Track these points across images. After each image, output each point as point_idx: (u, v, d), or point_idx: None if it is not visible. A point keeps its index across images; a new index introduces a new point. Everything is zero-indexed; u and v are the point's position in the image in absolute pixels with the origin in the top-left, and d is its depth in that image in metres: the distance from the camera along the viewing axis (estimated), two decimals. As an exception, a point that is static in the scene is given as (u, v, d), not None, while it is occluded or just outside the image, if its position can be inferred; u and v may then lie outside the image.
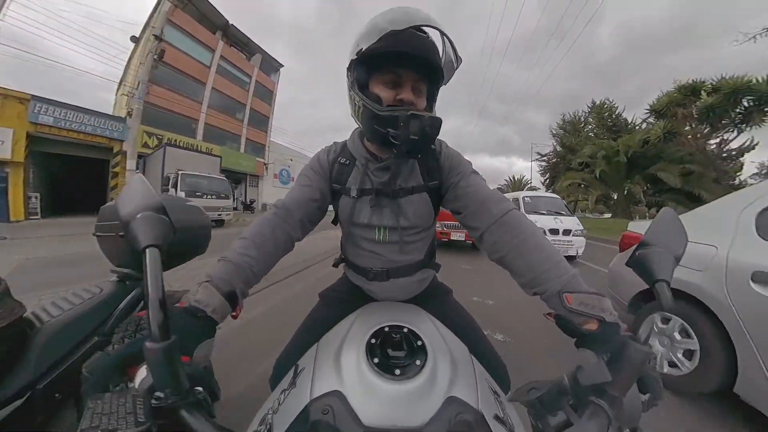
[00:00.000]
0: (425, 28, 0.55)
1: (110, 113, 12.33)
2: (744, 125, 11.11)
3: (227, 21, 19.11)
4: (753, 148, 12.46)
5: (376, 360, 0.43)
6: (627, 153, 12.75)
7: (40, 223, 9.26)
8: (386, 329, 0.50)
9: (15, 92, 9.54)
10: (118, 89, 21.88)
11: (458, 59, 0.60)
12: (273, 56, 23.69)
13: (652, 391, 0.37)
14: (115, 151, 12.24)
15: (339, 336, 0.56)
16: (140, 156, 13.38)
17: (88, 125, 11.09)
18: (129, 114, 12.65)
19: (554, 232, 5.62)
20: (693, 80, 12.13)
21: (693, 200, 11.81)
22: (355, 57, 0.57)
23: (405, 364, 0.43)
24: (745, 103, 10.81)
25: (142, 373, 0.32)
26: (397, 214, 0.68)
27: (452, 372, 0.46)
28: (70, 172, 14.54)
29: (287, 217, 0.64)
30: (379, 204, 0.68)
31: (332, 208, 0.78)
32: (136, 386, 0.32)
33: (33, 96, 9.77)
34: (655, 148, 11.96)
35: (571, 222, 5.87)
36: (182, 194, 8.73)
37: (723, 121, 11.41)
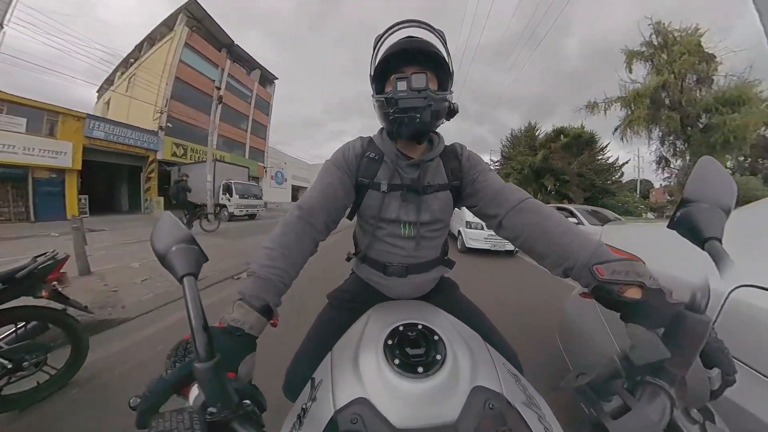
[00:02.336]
0: (418, 35, 0.63)
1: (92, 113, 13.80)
2: (580, 156, 19.00)
3: (232, 40, 21.12)
4: (626, 163, 19.75)
5: (396, 361, 0.43)
6: (532, 167, 19.61)
7: (91, 220, 11.05)
8: (401, 328, 0.49)
9: (73, 111, 11.30)
10: (100, 89, 23.04)
11: (441, 33, 0.65)
12: (269, 70, 25.81)
13: (721, 365, 0.35)
14: (150, 159, 14.07)
15: (353, 341, 0.56)
16: (172, 164, 15.30)
17: (131, 138, 12.94)
18: (161, 128, 14.58)
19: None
20: (560, 126, 20.02)
21: (564, 198, 18.46)
22: (371, 74, 0.66)
23: (426, 360, 0.43)
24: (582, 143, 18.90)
25: (195, 391, 0.34)
26: (423, 210, 0.71)
27: (472, 362, 0.46)
28: (109, 177, 16.06)
29: (312, 220, 0.63)
30: (408, 200, 0.70)
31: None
32: (191, 403, 0.34)
33: (88, 114, 11.56)
34: (542, 165, 19.03)
35: None
36: (236, 197, 12.12)
37: (574, 151, 19.20)
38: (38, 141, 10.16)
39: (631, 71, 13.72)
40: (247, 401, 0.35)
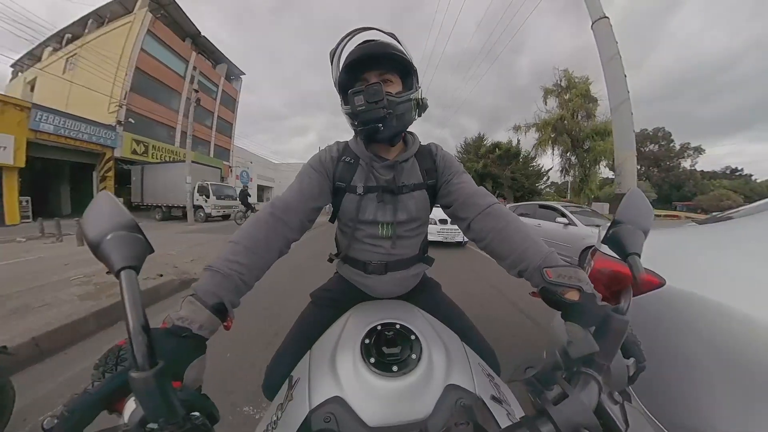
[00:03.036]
0: (371, 38, 0.65)
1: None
2: (510, 165, 24.14)
3: (198, 30, 19.69)
4: (551, 169, 24.67)
5: (372, 360, 0.44)
6: (477, 172, 23.83)
7: (33, 226, 9.71)
8: (379, 328, 0.50)
9: (13, 99, 9.80)
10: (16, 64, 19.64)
11: (393, 35, 0.66)
12: (236, 64, 24.51)
13: (635, 355, 0.41)
14: (106, 156, 12.66)
15: (332, 341, 0.56)
16: (130, 162, 13.91)
17: (85, 133, 11.52)
18: (119, 122, 13.20)
19: (444, 221, 6.48)
20: (498, 141, 25.88)
21: (500, 197, 23.10)
22: (335, 85, 0.68)
23: (401, 359, 0.44)
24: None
25: (131, 405, 0.30)
26: (400, 210, 0.72)
27: (447, 361, 0.47)
28: (55, 177, 14.03)
29: (286, 218, 0.62)
30: (384, 201, 0.71)
31: (326, 208, 0.76)
32: (126, 420, 0.29)
33: (33, 104, 10.10)
34: (483, 171, 23.93)
35: None
36: (214, 198, 12.09)
37: (505, 161, 24.66)
38: None
39: (546, 103, 19.97)
40: (196, 413, 0.31)
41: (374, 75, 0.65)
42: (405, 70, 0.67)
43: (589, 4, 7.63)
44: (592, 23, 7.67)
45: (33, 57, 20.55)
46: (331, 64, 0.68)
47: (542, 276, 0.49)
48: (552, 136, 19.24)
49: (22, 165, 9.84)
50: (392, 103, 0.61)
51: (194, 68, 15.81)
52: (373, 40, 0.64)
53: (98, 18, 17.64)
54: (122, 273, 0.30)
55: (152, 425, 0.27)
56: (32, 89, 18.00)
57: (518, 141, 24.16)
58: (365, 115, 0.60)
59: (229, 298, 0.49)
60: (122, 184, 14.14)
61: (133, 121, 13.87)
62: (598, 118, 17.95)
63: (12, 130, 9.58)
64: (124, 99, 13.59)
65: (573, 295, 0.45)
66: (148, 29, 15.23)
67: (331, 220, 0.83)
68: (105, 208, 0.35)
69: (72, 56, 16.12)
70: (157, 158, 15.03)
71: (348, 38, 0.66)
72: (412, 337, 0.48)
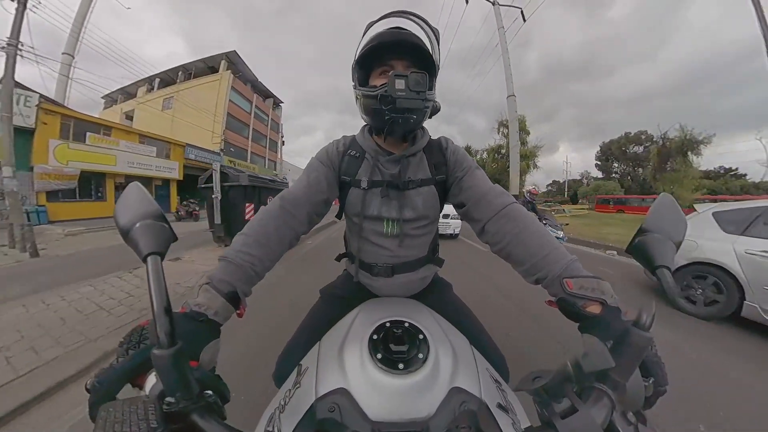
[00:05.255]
0: (408, 29, 0.62)
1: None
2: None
3: (256, 77, 27.28)
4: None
5: (379, 356, 0.44)
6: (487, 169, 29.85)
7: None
8: (387, 325, 0.50)
9: (179, 142, 17.25)
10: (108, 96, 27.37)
11: (435, 31, 0.63)
12: (278, 97, 32.10)
13: (655, 375, 0.38)
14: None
15: (341, 334, 0.57)
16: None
17: (206, 158, 18.99)
18: (222, 150, 20.75)
19: (445, 216, 6.96)
20: (499, 144, 31.55)
21: None
22: (354, 62, 0.64)
23: (408, 358, 0.44)
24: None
25: (152, 380, 0.33)
26: (406, 206, 0.70)
27: (454, 363, 0.46)
28: (188, 184, 21.52)
29: (294, 211, 0.63)
30: (389, 196, 0.69)
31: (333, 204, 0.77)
32: (147, 393, 0.32)
33: (187, 144, 17.57)
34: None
35: (450, 208, 13.29)
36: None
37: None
38: (160, 161, 16.03)
39: (498, 133, 27.28)
40: (209, 392, 0.34)
41: (402, 65, 0.62)
42: (430, 71, 0.63)
43: (507, 82, 13.37)
44: (507, 97, 13.63)
45: (125, 92, 28.18)
46: (363, 35, 0.63)
47: (562, 286, 0.48)
48: (496, 157, 27.78)
49: (181, 178, 17.25)
50: (427, 98, 0.58)
51: (256, 107, 23.21)
52: (410, 32, 0.61)
53: (185, 71, 25.43)
54: (149, 258, 0.33)
55: (170, 399, 0.30)
56: (127, 117, 24.97)
57: (483, 160, 30.26)
58: (404, 102, 0.56)
59: (242, 287, 0.51)
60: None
61: (232, 149, 21.19)
62: (528, 146, 25.89)
63: (177, 159, 17.00)
64: (223, 134, 21.11)
65: (595, 309, 0.44)
66: (232, 86, 22.80)
67: (338, 216, 0.82)
68: (134, 198, 0.38)
69: (169, 97, 23.79)
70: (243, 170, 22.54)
71: (393, 15, 0.63)
72: (420, 336, 0.48)
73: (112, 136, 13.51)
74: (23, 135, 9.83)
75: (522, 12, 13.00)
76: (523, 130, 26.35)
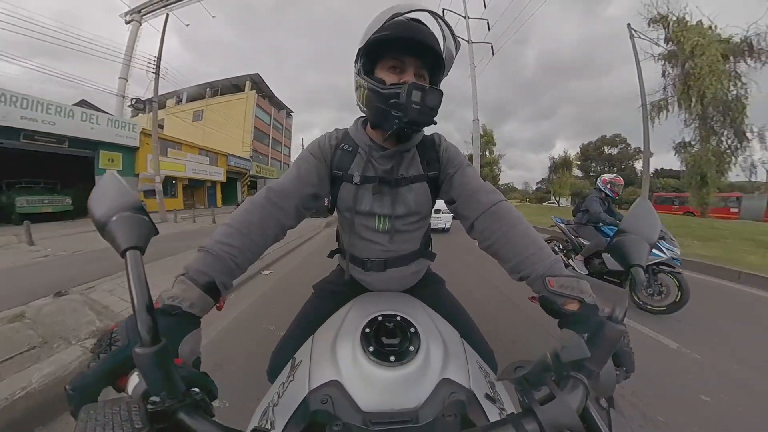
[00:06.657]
0: (426, 23, 0.59)
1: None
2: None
3: (273, 93, 32.13)
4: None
5: (371, 348, 0.45)
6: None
7: (226, 210, 21.77)
8: (380, 318, 0.51)
9: (224, 152, 22.03)
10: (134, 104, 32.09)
11: (457, 44, 0.61)
12: (289, 107, 37.01)
13: (626, 364, 0.41)
14: (246, 174, 25.14)
15: (334, 327, 0.57)
16: (257, 177, 26.28)
17: (240, 164, 23.86)
18: (251, 157, 25.69)
19: (436, 211, 7.16)
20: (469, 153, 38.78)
21: None
22: (362, 45, 0.60)
23: (399, 350, 0.45)
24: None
25: (135, 379, 0.32)
26: (398, 202, 0.70)
27: (444, 355, 0.47)
28: (228, 185, 26.10)
29: (281, 203, 0.61)
30: (381, 192, 0.69)
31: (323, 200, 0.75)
32: (129, 393, 0.31)
33: (229, 154, 22.41)
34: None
35: (441, 203, 13.85)
36: None
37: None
38: (211, 168, 20.82)
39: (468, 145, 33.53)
40: (196, 389, 0.33)
41: (415, 64, 0.60)
42: (437, 76, 0.65)
43: (474, 108, 17.77)
44: (473, 120, 18.52)
45: (152, 102, 32.56)
46: (376, 20, 0.57)
47: (544, 284, 0.50)
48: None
49: (224, 181, 22.08)
50: (433, 103, 0.57)
51: (274, 119, 28.12)
52: (426, 26, 0.60)
53: (212, 87, 30.11)
54: (127, 253, 0.31)
55: (154, 398, 0.28)
56: (157, 126, 29.26)
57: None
58: (415, 115, 0.55)
59: (221, 278, 0.49)
60: (255, 189, 26.25)
61: (258, 156, 26.07)
62: (493, 155, 33.60)
63: (222, 165, 21.82)
64: (251, 145, 26.03)
65: (573, 306, 0.46)
66: (257, 103, 27.67)
67: (330, 211, 0.82)
68: (111, 188, 0.36)
69: (199, 110, 28.50)
70: (265, 174, 27.38)
71: (419, 9, 0.58)
72: (412, 329, 0.49)
73: (182, 149, 18.26)
74: (129, 152, 14.73)
75: (492, 47, 14.99)
76: (491, 142, 32.69)
